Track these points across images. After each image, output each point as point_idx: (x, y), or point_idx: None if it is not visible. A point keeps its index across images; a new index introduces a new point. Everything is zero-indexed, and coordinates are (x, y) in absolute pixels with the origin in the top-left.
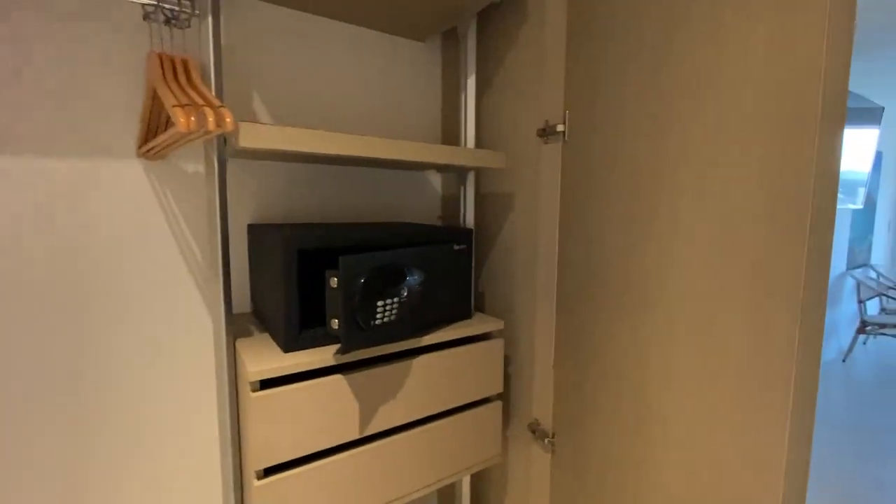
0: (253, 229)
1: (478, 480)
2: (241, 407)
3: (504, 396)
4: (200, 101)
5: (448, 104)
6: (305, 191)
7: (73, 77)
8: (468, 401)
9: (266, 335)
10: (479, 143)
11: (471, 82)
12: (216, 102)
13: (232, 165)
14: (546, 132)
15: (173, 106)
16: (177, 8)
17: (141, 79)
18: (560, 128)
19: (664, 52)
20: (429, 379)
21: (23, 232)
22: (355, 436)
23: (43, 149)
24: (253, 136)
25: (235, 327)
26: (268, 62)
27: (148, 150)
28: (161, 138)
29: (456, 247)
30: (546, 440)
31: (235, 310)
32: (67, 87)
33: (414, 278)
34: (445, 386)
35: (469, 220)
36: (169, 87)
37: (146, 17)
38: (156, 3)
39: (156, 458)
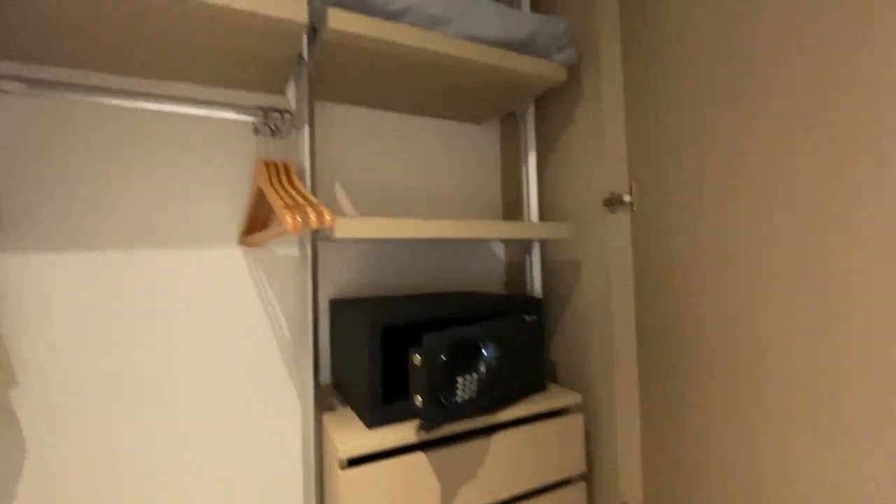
0: (335, 305)
1: None
2: (326, 482)
3: (588, 475)
4: (302, 201)
5: (508, 179)
6: (379, 266)
7: (194, 183)
8: (551, 481)
9: (348, 409)
10: (543, 214)
11: (531, 158)
12: (315, 201)
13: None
14: (612, 202)
15: (281, 207)
16: (280, 122)
17: (246, 181)
18: (627, 198)
19: (733, 124)
20: (508, 457)
21: (149, 305)
22: None
23: (168, 240)
24: (347, 229)
25: (320, 406)
26: (349, 156)
27: (248, 240)
28: (268, 234)
29: (527, 318)
30: None
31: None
32: (188, 191)
33: (491, 353)
34: (526, 464)
35: (537, 288)
36: (275, 189)
37: (256, 131)
38: (265, 119)
39: None
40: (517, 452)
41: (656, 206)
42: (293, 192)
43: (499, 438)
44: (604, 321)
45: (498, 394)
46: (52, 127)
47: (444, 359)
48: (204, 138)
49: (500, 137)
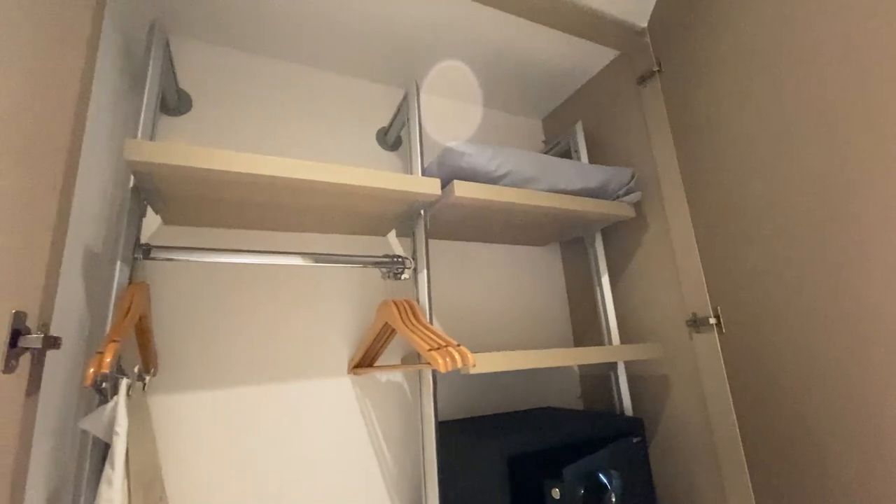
0: (443, 427)
1: None
2: None
3: None
4: (442, 343)
5: (574, 297)
6: (469, 386)
7: (313, 324)
8: None
9: None
10: (622, 333)
11: (605, 280)
12: (454, 342)
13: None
14: (696, 323)
15: (427, 350)
16: (401, 266)
17: (356, 319)
18: (712, 321)
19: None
20: None
21: (275, 432)
22: None
23: (291, 374)
24: (484, 364)
25: None
26: (442, 284)
27: (361, 371)
28: (394, 366)
29: (634, 439)
30: None
31: None
32: (314, 336)
33: (615, 481)
34: None
35: (626, 406)
36: (410, 329)
37: (384, 276)
38: (391, 265)
39: None
40: None
41: (746, 327)
42: (430, 333)
43: None
44: (703, 437)
45: None
46: (198, 287)
47: (583, 491)
48: (325, 286)
49: (561, 258)
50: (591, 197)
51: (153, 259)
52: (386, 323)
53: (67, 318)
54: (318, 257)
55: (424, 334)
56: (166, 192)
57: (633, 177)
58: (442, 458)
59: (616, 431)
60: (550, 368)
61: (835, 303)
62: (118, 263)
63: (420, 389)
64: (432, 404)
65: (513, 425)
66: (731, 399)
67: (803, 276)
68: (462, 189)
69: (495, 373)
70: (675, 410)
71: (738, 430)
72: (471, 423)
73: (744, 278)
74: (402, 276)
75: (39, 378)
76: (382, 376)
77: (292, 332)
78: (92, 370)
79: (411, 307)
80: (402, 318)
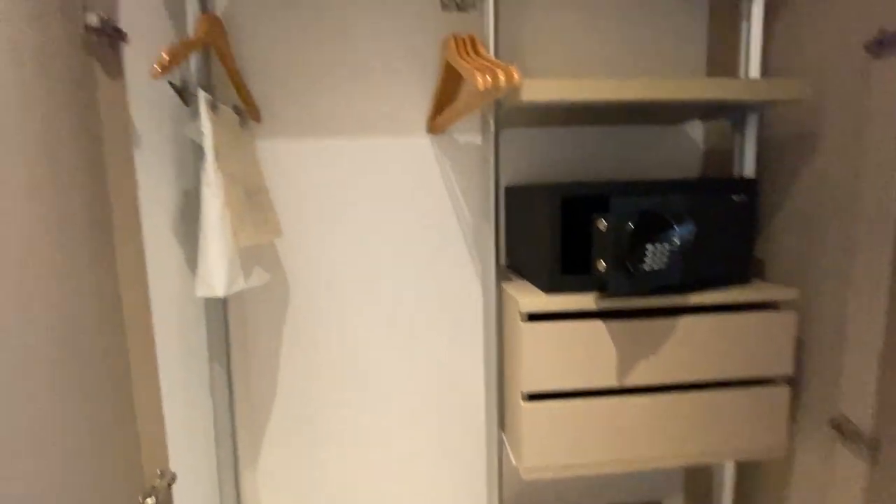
0: (510, 190)
1: (747, 475)
2: (506, 338)
3: (794, 381)
4: (490, 64)
5: (715, 42)
6: (556, 155)
7: (390, 69)
8: (744, 376)
9: (525, 282)
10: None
11: (757, 4)
12: (503, 63)
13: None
14: (883, 44)
15: (472, 69)
16: None
17: (433, 62)
18: None
19: None
20: (696, 342)
21: (352, 183)
22: (613, 384)
23: (364, 129)
24: (533, 90)
25: (500, 273)
26: (529, 29)
27: (435, 124)
28: (455, 108)
29: (735, 197)
30: (860, 444)
31: None
32: (385, 80)
33: (686, 227)
34: (716, 354)
35: (748, 172)
36: (463, 59)
37: (444, 7)
38: None
39: (426, 384)
40: (708, 340)
41: None
42: (482, 60)
43: (688, 321)
44: (844, 209)
45: (692, 274)
46: (286, 29)
47: (633, 225)
48: (395, 24)
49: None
50: None
51: None
52: (448, 63)
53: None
54: None
55: (475, 60)
56: None
57: None
58: (510, 219)
59: (717, 190)
60: (664, 139)
61: None
62: None
63: (492, 146)
64: (493, 160)
65: (584, 183)
66: None
67: None
68: None
69: (591, 141)
70: (818, 177)
71: (894, 197)
72: (544, 183)
73: None
74: (467, 4)
75: (119, 64)
76: (461, 137)
77: (372, 83)
78: (157, 65)
79: (472, 41)
80: (458, 51)
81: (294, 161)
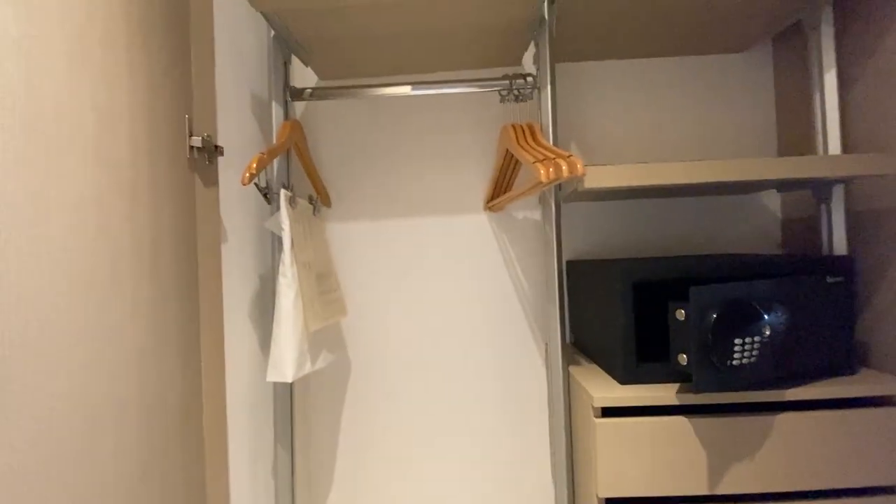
0: (573, 265)
1: None
2: (576, 432)
3: None
4: (552, 155)
5: (786, 114)
6: (620, 227)
7: (452, 159)
8: (858, 484)
9: (595, 366)
10: (848, 148)
11: (829, 77)
12: (565, 153)
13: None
14: None
15: (533, 162)
16: (524, 86)
17: (490, 147)
18: None
19: None
20: (797, 444)
21: (414, 262)
22: (701, 491)
23: (434, 209)
24: (597, 178)
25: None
26: (588, 112)
27: (492, 205)
28: (515, 194)
29: (829, 279)
30: None
31: None
32: (449, 166)
33: (777, 315)
34: (822, 457)
35: (838, 247)
36: (523, 149)
37: (502, 100)
38: (509, 86)
39: (485, 479)
40: (811, 441)
41: None
42: (542, 149)
43: (787, 419)
44: None
45: (788, 368)
46: (356, 126)
47: (717, 317)
48: (457, 114)
49: (772, 64)
50: None
51: (302, 99)
52: (507, 150)
53: (234, 144)
54: (431, 86)
55: (536, 150)
56: (297, 32)
57: None
58: (572, 295)
59: (808, 272)
60: (740, 210)
61: None
62: (273, 104)
63: (553, 222)
64: (554, 236)
65: (658, 261)
66: None
67: None
68: None
69: (660, 211)
70: None
71: None
72: (611, 260)
73: None
74: (524, 96)
75: (215, 174)
76: (518, 213)
77: (433, 168)
78: (246, 173)
79: (531, 128)
80: (517, 139)
81: (360, 241)
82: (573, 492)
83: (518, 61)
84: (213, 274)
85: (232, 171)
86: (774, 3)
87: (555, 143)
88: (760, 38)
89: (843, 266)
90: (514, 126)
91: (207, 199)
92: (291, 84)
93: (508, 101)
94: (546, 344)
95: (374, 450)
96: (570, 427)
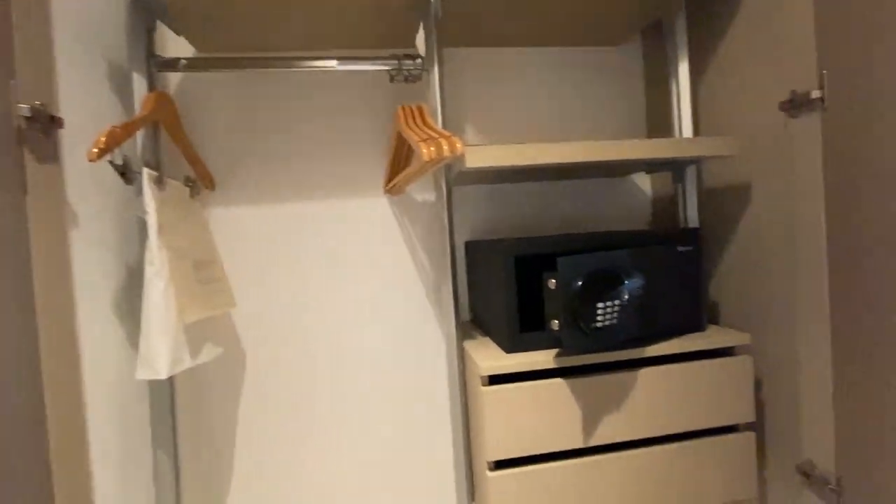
0: (470, 245)
1: None
2: (470, 402)
3: (758, 427)
4: (435, 135)
5: (652, 103)
6: (511, 209)
7: (346, 140)
8: (707, 426)
9: (488, 339)
10: (699, 133)
11: (682, 68)
12: (447, 133)
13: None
14: (795, 104)
15: (417, 140)
16: (413, 67)
17: (386, 129)
18: (815, 94)
19: None
20: (656, 395)
21: (315, 245)
22: (578, 444)
23: (331, 192)
24: (476, 157)
25: (461, 331)
26: (479, 98)
27: (391, 187)
28: (406, 175)
29: (680, 248)
30: (827, 487)
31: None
32: (343, 148)
33: (634, 281)
34: (677, 405)
35: (691, 220)
36: (411, 129)
37: (392, 79)
38: (399, 67)
39: (391, 447)
40: (669, 391)
41: (859, 98)
42: (427, 129)
43: (648, 374)
44: (782, 253)
45: (646, 327)
46: (242, 104)
47: (582, 284)
48: (350, 95)
49: (642, 58)
50: None
51: (175, 70)
52: (399, 132)
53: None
54: (319, 59)
55: (422, 130)
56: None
57: None
58: (470, 273)
59: (664, 242)
60: (614, 190)
61: None
62: (133, 75)
63: (444, 205)
64: (447, 218)
65: (539, 239)
66: (823, 202)
67: None
68: None
69: (546, 195)
70: (754, 222)
71: (826, 242)
72: (499, 239)
73: (861, 35)
74: (414, 77)
75: (54, 149)
76: (419, 195)
77: (328, 150)
78: (94, 148)
79: (420, 110)
80: (406, 119)
81: (250, 227)
82: (470, 458)
83: (412, 44)
84: (55, 262)
85: (83, 149)
86: (635, 5)
87: (444, 126)
88: (629, 33)
89: (692, 237)
90: (404, 108)
91: (43, 177)
92: (157, 53)
93: (398, 81)
94: None
95: (275, 441)
96: (466, 397)
